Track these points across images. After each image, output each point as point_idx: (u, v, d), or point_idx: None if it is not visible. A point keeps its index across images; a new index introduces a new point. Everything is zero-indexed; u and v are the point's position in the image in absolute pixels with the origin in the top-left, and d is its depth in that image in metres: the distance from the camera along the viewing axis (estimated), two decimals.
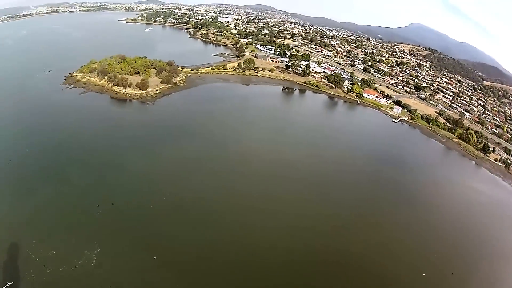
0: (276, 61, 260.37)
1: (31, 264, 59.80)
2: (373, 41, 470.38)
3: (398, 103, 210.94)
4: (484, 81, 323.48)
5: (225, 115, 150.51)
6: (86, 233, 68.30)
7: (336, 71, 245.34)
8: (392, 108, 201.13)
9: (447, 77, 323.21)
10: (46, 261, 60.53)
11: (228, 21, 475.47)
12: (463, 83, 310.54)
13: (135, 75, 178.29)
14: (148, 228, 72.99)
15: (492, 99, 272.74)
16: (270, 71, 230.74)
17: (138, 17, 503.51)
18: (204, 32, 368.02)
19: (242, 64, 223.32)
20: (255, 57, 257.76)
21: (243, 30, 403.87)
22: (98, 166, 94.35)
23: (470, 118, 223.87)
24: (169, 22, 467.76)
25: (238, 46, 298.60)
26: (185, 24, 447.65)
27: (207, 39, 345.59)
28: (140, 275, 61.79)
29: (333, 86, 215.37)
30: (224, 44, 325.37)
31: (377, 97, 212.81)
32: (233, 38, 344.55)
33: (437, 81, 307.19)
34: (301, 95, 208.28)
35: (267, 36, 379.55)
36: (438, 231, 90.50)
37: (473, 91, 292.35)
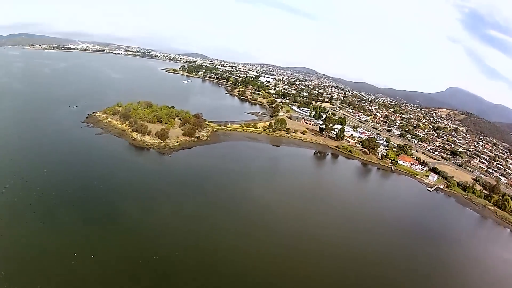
0: (310, 123, 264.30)
1: None
2: (411, 106, 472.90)
3: (434, 170, 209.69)
4: None
5: (245, 175, 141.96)
6: (55, 281, 64.12)
7: (371, 136, 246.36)
8: (427, 176, 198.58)
9: (483, 141, 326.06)
10: None
11: (269, 81, 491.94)
12: (499, 146, 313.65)
13: (158, 124, 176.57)
14: None
15: None
16: (302, 133, 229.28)
17: (179, 68, 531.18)
18: (241, 89, 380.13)
19: (273, 124, 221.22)
20: (289, 118, 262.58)
21: (282, 90, 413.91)
22: (91, 212, 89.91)
23: (506, 183, 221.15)
24: (209, 77, 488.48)
25: (273, 106, 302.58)
26: (225, 80, 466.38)
27: (244, 97, 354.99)
28: None
29: (367, 151, 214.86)
30: (260, 103, 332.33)
31: (413, 164, 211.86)
32: (270, 97, 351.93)
33: (474, 145, 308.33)
34: (332, 160, 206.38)
35: (305, 98, 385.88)
36: None
37: (508, 153, 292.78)
